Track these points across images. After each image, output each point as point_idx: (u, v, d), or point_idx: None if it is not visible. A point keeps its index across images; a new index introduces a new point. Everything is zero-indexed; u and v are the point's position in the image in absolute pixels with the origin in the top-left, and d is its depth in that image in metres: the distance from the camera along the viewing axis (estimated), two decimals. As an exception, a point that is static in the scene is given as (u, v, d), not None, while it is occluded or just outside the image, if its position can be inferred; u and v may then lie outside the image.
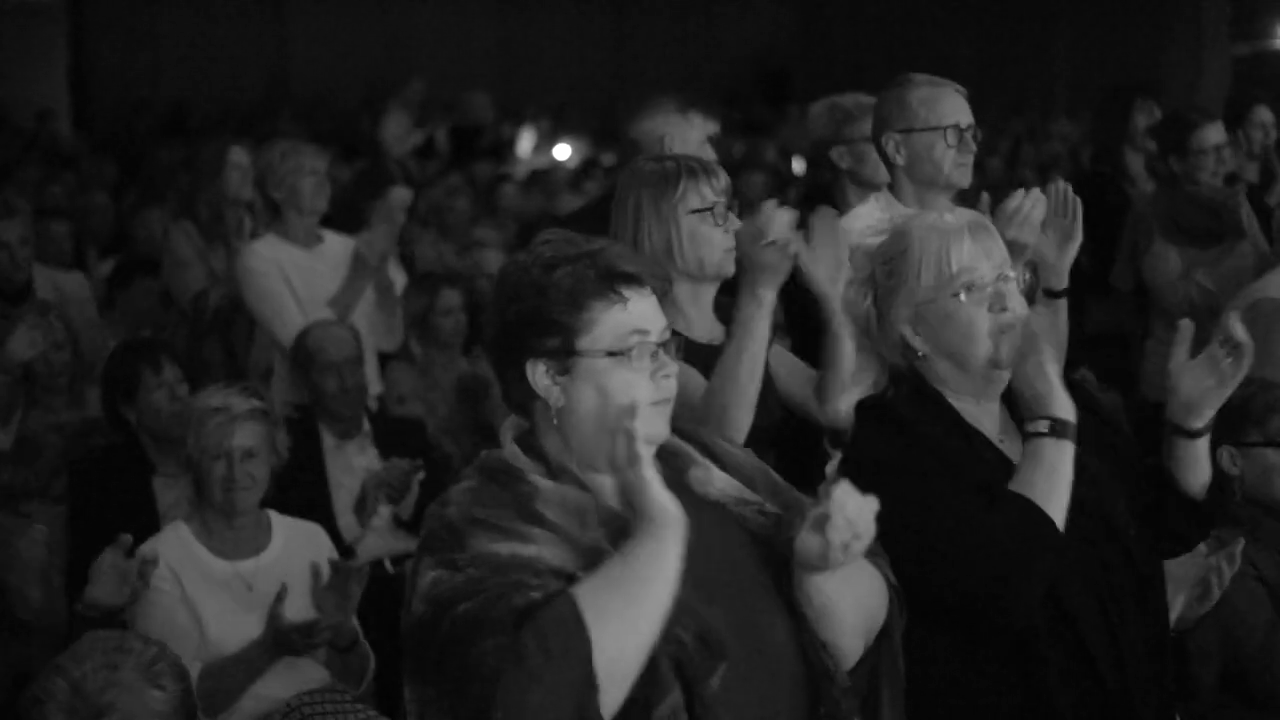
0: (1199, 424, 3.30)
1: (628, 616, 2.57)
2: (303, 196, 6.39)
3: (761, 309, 3.96)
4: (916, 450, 3.19)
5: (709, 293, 4.23)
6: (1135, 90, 7.63)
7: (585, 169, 12.89)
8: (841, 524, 2.61)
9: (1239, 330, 3.26)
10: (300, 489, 5.42)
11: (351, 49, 21.32)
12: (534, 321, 2.74)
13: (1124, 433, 3.50)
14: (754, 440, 3.77)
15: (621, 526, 2.69)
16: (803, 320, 4.53)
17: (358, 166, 11.02)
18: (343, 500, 5.82)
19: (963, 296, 3.23)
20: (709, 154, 5.30)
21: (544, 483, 2.74)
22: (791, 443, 4.37)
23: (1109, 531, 3.23)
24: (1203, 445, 3.32)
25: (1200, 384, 3.27)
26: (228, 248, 6.84)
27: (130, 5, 21.23)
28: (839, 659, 2.83)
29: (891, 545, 2.84)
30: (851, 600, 2.81)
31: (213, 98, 19.87)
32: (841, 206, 5.46)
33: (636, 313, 2.75)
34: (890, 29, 20.79)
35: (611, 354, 2.73)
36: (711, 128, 5.43)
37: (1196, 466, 3.33)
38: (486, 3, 22.56)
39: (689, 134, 5.29)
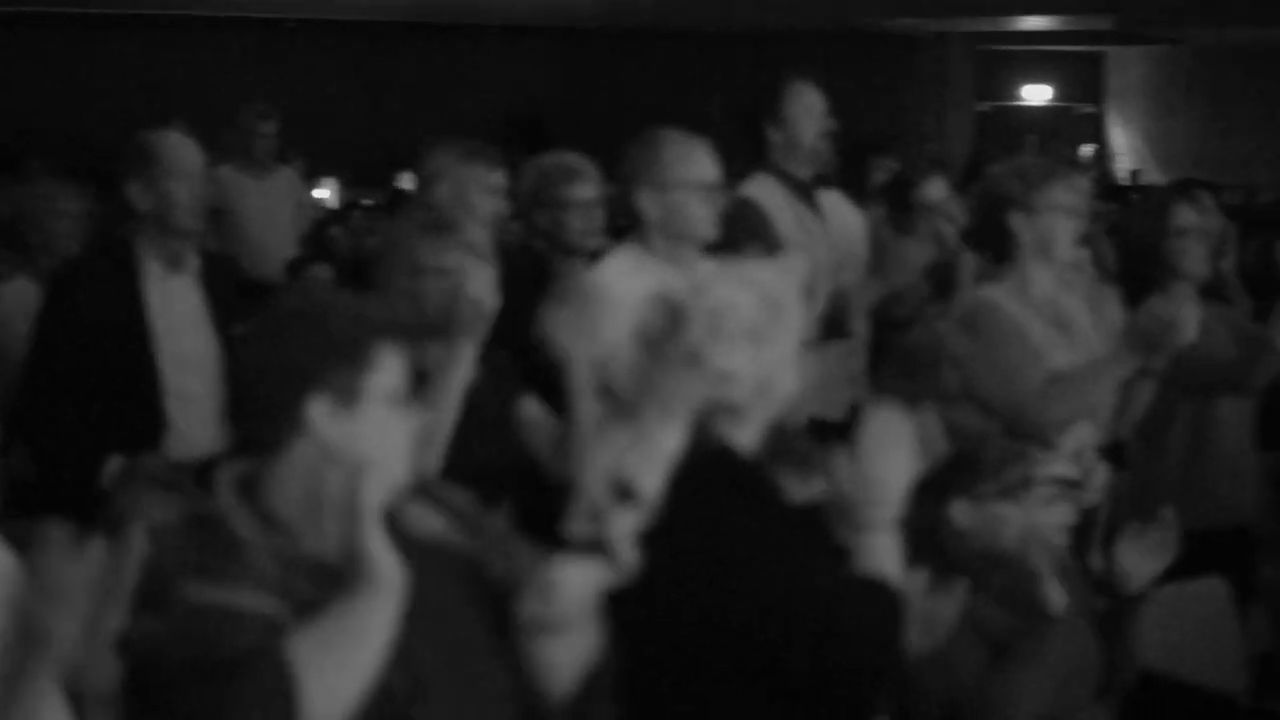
0: None
1: (338, 673, 2.62)
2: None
3: (458, 363, 4.18)
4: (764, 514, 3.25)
5: None
6: (871, 146, 7.78)
7: (346, 210, 12.82)
8: (563, 597, 2.75)
9: None
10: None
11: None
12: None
13: None
14: (489, 479, 3.86)
15: (333, 578, 2.71)
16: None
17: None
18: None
19: None
20: (493, 205, 5.53)
21: (253, 530, 2.74)
22: (532, 488, 4.42)
23: None
24: None
25: None
26: None
27: None
28: (554, 692, 2.90)
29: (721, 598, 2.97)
30: (572, 649, 2.89)
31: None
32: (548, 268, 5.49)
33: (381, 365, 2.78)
34: (646, 82, 21.06)
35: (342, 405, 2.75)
36: (498, 178, 5.57)
37: None
38: (250, 38, 22.32)
39: (468, 181, 5.45)
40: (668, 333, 3.25)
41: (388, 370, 2.77)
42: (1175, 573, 5.28)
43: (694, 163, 4.94)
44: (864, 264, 6.09)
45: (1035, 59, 22.29)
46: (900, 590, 3.26)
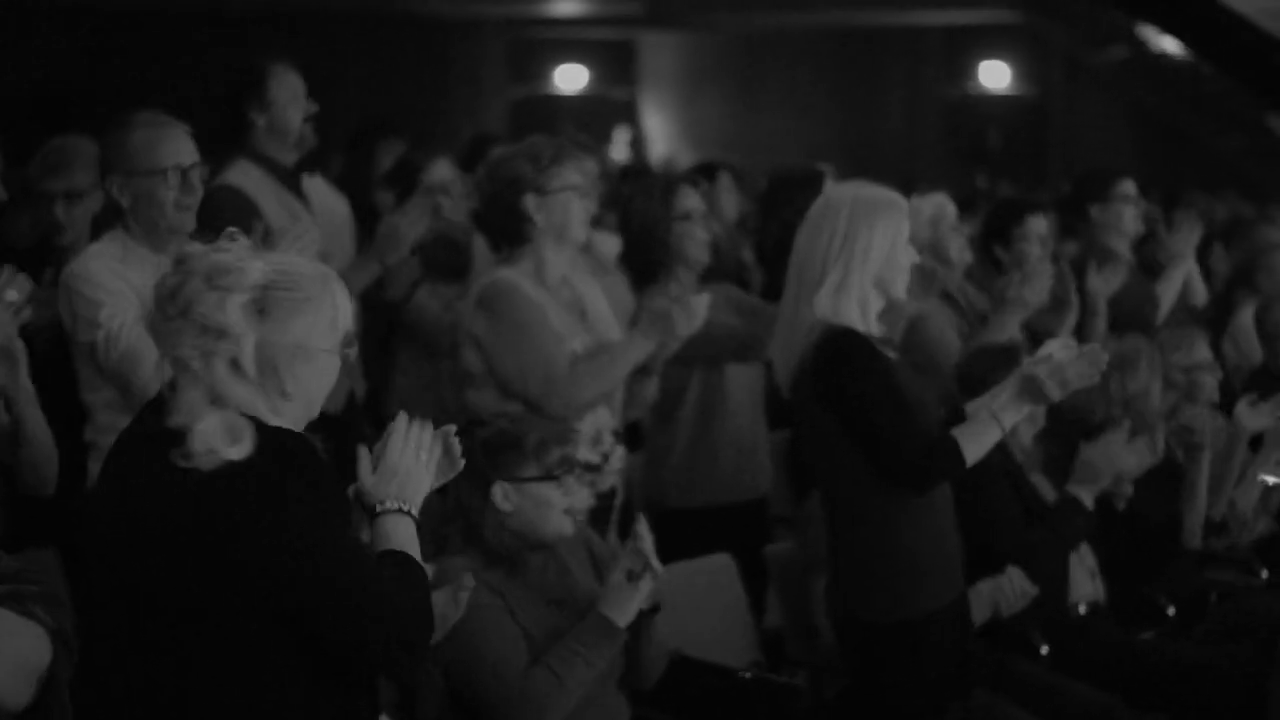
0: None
1: None
2: None
3: None
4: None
5: None
6: (379, 129, 7.68)
7: None
8: None
9: None
10: None
11: None
12: None
13: None
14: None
15: None
16: None
17: None
18: None
19: None
20: None
21: None
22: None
23: None
24: None
25: None
26: None
27: None
28: (7, 702, 2.81)
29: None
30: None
31: None
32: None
33: None
34: (170, 63, 20.61)
35: None
36: None
37: None
38: None
39: None
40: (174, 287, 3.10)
41: None
42: (686, 548, 5.39)
43: (164, 148, 4.68)
44: (349, 249, 6.03)
45: (569, 46, 22.51)
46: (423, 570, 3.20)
